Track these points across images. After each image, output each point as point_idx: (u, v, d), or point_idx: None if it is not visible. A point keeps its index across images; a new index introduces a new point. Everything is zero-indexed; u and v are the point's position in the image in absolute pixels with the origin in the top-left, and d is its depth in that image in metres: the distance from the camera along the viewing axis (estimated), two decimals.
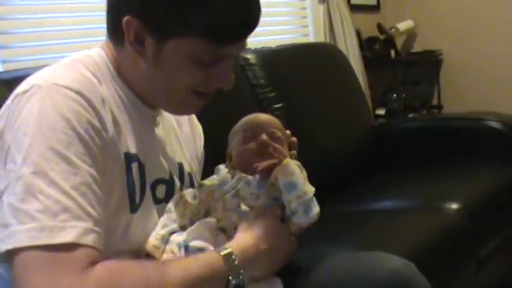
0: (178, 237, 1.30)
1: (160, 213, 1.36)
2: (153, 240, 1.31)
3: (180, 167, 1.47)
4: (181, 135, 1.53)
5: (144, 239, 1.31)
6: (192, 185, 1.48)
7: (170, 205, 1.36)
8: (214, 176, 1.43)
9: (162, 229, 1.33)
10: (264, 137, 1.39)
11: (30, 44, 2.62)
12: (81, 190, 1.11)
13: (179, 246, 1.29)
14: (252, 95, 2.85)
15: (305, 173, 1.40)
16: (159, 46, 1.24)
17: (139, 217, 1.29)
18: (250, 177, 1.36)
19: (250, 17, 1.28)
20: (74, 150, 1.13)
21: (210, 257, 1.22)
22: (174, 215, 1.34)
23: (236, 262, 1.22)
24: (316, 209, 1.35)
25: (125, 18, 1.23)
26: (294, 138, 1.50)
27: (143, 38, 1.24)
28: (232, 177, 1.39)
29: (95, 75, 1.27)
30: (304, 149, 2.82)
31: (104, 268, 1.10)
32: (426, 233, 2.29)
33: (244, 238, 1.28)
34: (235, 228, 1.32)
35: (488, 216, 2.64)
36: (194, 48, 1.23)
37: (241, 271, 1.23)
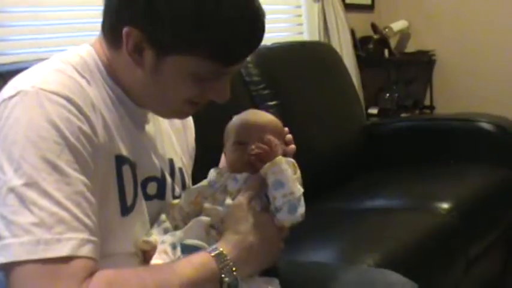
0: (171, 238, 1.30)
1: (151, 209, 1.36)
2: (144, 236, 1.32)
3: (171, 163, 1.46)
4: (173, 129, 1.51)
5: (136, 239, 1.31)
6: (183, 180, 1.48)
7: (162, 216, 1.37)
8: (205, 180, 1.44)
9: (154, 227, 1.35)
10: (252, 151, 1.37)
11: (26, 37, 2.63)
12: (75, 200, 1.10)
13: (173, 245, 1.29)
14: (245, 92, 2.86)
15: (299, 173, 1.39)
16: (158, 59, 1.21)
17: (132, 220, 1.28)
18: (238, 175, 1.37)
19: (256, 38, 1.26)
20: (65, 159, 1.11)
21: (202, 258, 1.22)
22: (166, 223, 1.36)
23: (227, 260, 1.23)
24: (301, 209, 1.33)
25: (126, 29, 1.20)
26: (293, 146, 1.48)
27: (142, 49, 1.21)
28: (222, 177, 1.40)
29: (83, 76, 1.24)
30: (296, 146, 2.85)
31: (101, 279, 1.09)
32: (417, 232, 2.30)
33: (232, 235, 1.28)
34: (222, 220, 1.32)
35: (479, 216, 2.65)
36: (195, 66, 1.21)
37: (234, 268, 1.23)
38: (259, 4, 1.25)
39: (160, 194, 1.39)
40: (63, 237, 1.07)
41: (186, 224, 1.34)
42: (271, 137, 1.37)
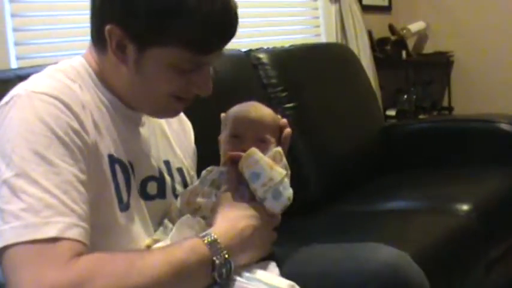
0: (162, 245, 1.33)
1: (154, 209, 1.40)
2: (149, 240, 1.35)
3: (167, 165, 1.50)
4: (171, 133, 1.55)
5: (137, 236, 1.34)
6: (183, 180, 1.52)
7: (166, 221, 1.41)
8: (198, 179, 1.48)
9: (160, 230, 1.38)
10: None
11: (44, 41, 2.65)
12: (63, 188, 1.15)
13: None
14: (263, 94, 2.86)
15: (284, 160, 1.41)
16: (139, 53, 1.28)
17: (130, 215, 1.33)
18: (223, 168, 1.41)
19: (228, 28, 1.31)
20: (54, 151, 1.17)
21: (192, 242, 1.25)
22: (170, 225, 1.39)
23: (218, 244, 1.25)
24: (286, 192, 1.35)
25: (108, 27, 1.27)
26: (288, 130, 1.49)
27: (125, 46, 1.28)
28: (211, 172, 1.44)
29: (75, 81, 1.30)
30: (314, 148, 2.86)
31: (88, 258, 1.13)
32: (436, 234, 2.30)
33: (222, 222, 1.32)
34: (212, 211, 1.36)
35: (499, 218, 2.64)
36: (174, 56, 1.27)
37: (225, 252, 1.25)
38: None
39: (161, 194, 1.44)
40: (51, 220, 1.12)
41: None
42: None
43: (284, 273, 1.37)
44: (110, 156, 1.30)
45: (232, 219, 1.33)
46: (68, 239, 1.12)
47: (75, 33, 2.70)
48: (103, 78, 1.35)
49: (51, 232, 1.11)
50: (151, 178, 1.42)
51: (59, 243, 1.11)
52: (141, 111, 1.40)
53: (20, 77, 1.88)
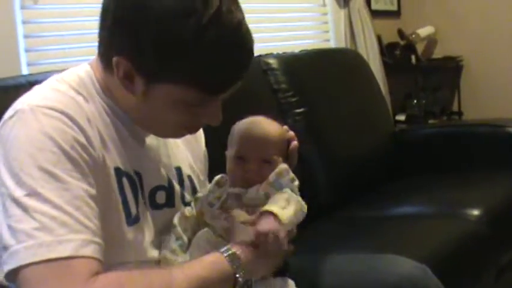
0: (182, 259, 1.32)
1: (163, 218, 1.38)
2: (167, 253, 1.34)
3: (178, 171, 1.48)
4: (181, 138, 1.52)
5: (145, 249, 1.33)
6: (193, 187, 1.50)
7: (175, 220, 1.39)
8: (209, 186, 1.45)
9: (175, 243, 1.36)
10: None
11: (55, 48, 2.66)
12: (74, 204, 1.14)
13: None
14: (273, 100, 2.87)
15: (288, 174, 1.38)
16: (147, 87, 1.24)
17: (138, 229, 1.31)
18: (231, 189, 1.37)
19: (242, 71, 1.26)
20: (62, 167, 1.15)
21: (213, 257, 1.24)
22: (178, 229, 1.37)
23: (240, 260, 1.24)
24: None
25: (115, 59, 1.22)
26: (295, 143, 1.46)
27: (132, 76, 1.24)
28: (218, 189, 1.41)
29: (79, 93, 1.27)
30: (324, 154, 2.86)
31: (106, 278, 1.12)
32: (446, 239, 2.29)
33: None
34: (226, 232, 1.33)
35: (509, 223, 2.63)
36: (182, 94, 1.23)
37: (246, 267, 1.24)
38: (246, 28, 1.25)
39: (170, 203, 1.42)
40: (65, 238, 1.11)
41: (195, 233, 1.36)
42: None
43: (301, 285, 1.37)
44: (117, 170, 1.28)
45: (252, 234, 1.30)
46: (83, 257, 1.11)
47: (86, 40, 2.71)
48: (108, 91, 1.32)
49: (66, 251, 1.10)
50: (160, 187, 1.40)
51: (75, 261, 1.10)
52: (146, 131, 1.37)
53: (31, 83, 1.89)
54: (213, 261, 1.23)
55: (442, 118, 4.79)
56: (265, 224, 1.24)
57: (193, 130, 1.38)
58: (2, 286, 1.33)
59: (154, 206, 1.38)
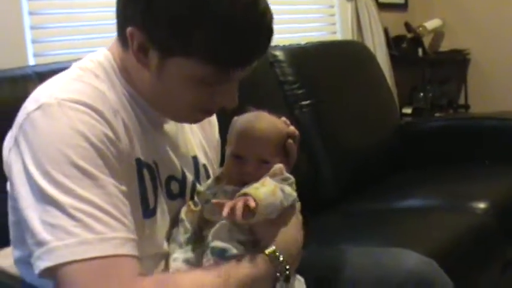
0: (183, 254, 1.31)
1: (176, 209, 1.36)
2: (176, 247, 1.33)
3: (195, 160, 1.46)
4: (197, 125, 1.50)
5: (161, 241, 1.32)
6: (207, 177, 1.48)
7: (182, 214, 1.36)
8: (211, 179, 1.43)
9: (183, 236, 1.34)
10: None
11: (61, 39, 2.66)
12: (110, 201, 1.12)
13: (187, 261, 1.29)
14: (279, 92, 2.87)
15: (281, 173, 1.34)
16: (162, 60, 1.20)
17: (154, 222, 1.30)
18: (228, 187, 1.35)
19: (260, 46, 1.22)
20: (94, 163, 1.13)
21: (255, 256, 1.22)
22: (186, 223, 1.35)
23: (281, 259, 1.23)
24: (290, 199, 1.31)
25: (129, 29, 1.20)
26: (290, 142, 1.40)
27: (147, 49, 1.20)
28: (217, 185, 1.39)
29: (102, 81, 1.25)
30: (330, 146, 2.85)
31: (152, 281, 1.12)
32: (453, 232, 2.29)
33: (285, 235, 1.28)
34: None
35: None
36: (197, 69, 1.19)
37: (287, 267, 1.23)
38: (265, 6, 1.21)
39: (183, 194, 1.40)
40: (105, 236, 1.09)
41: (201, 229, 1.34)
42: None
43: (309, 279, 1.36)
44: (138, 161, 1.26)
45: (293, 234, 1.30)
46: (124, 255, 1.10)
47: (92, 31, 2.72)
48: (125, 73, 1.28)
49: (108, 249, 1.08)
50: (174, 177, 1.37)
51: (118, 260, 1.09)
52: (162, 115, 1.34)
53: (38, 73, 1.89)
54: (255, 260, 1.21)
55: (448, 111, 4.79)
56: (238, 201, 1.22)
57: (208, 113, 1.34)
58: (25, 283, 1.33)
59: (170, 196, 1.36)
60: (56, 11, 2.67)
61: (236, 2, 1.15)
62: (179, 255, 1.31)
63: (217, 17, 1.14)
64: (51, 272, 1.09)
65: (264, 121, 1.39)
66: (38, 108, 1.16)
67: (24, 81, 1.86)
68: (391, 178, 3.05)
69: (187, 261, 1.29)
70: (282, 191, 1.29)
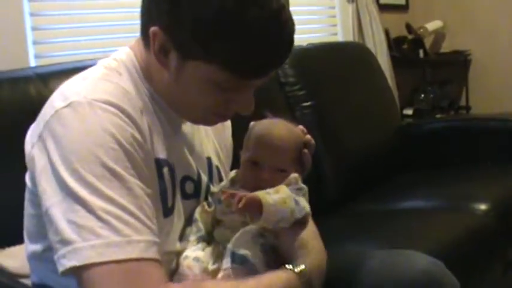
0: (193, 253, 1.31)
1: (190, 209, 1.37)
2: (188, 246, 1.33)
3: (209, 161, 1.47)
4: (212, 128, 1.51)
5: (175, 240, 1.32)
6: (220, 178, 1.49)
7: (196, 214, 1.37)
8: (225, 181, 1.44)
9: (195, 235, 1.35)
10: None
11: (63, 40, 2.66)
12: (137, 204, 1.12)
13: (196, 259, 1.29)
14: (281, 93, 2.87)
15: (296, 182, 1.36)
16: (181, 62, 1.21)
17: (172, 221, 1.30)
18: (241, 190, 1.33)
19: (279, 55, 1.23)
20: (122, 165, 1.13)
21: (288, 276, 1.23)
22: (200, 224, 1.36)
23: (309, 281, 1.25)
24: (302, 212, 1.33)
25: (152, 29, 1.21)
26: (305, 151, 1.41)
27: (168, 50, 1.22)
28: (231, 184, 1.40)
29: (127, 80, 1.27)
30: (331, 147, 2.85)
31: (180, 286, 1.14)
32: (454, 233, 2.29)
33: (314, 255, 1.31)
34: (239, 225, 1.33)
35: None
36: (215, 74, 1.20)
37: (312, 283, 1.25)
38: (288, 16, 1.22)
39: (197, 194, 1.40)
40: (132, 239, 1.09)
41: (213, 226, 1.35)
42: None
43: None
44: (158, 160, 1.27)
45: (321, 254, 1.34)
46: (150, 259, 1.10)
47: (93, 32, 2.72)
48: (147, 73, 1.30)
49: (134, 252, 1.08)
50: (189, 178, 1.38)
51: (144, 264, 1.09)
52: (178, 115, 1.35)
53: (39, 75, 1.90)
54: (288, 278, 1.23)
55: (449, 112, 4.79)
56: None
57: (223, 117, 1.36)
58: (39, 286, 1.33)
59: (184, 196, 1.36)
60: (57, 13, 2.67)
61: (261, 13, 1.15)
62: (190, 253, 1.31)
63: (240, 26, 1.15)
64: (75, 272, 1.08)
65: (282, 129, 1.40)
66: (68, 106, 1.16)
67: (25, 83, 1.86)
68: (392, 179, 3.05)
69: (197, 260, 1.29)
70: (296, 202, 1.31)
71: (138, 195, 1.13)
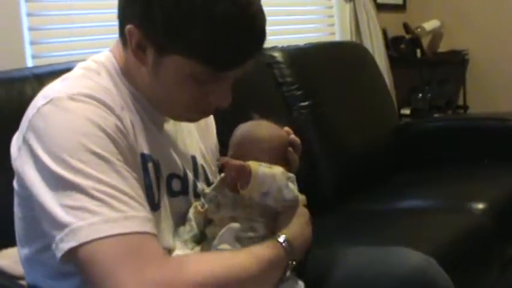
0: (184, 252, 1.32)
1: (178, 206, 1.38)
2: (179, 244, 1.34)
3: (194, 160, 1.48)
4: (196, 127, 1.53)
5: (166, 236, 1.33)
6: (206, 177, 1.50)
7: (190, 214, 1.39)
8: (214, 184, 1.45)
9: (188, 234, 1.36)
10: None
11: (60, 40, 2.66)
12: (127, 184, 1.13)
13: (212, 248, 1.30)
14: (278, 93, 2.87)
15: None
16: (158, 58, 1.24)
17: (159, 215, 1.31)
18: (228, 191, 1.37)
19: (253, 47, 1.25)
20: (109, 150, 1.15)
21: (275, 242, 1.27)
22: (192, 223, 1.37)
23: (293, 249, 1.28)
24: (290, 195, 1.34)
25: (127, 27, 1.23)
26: (290, 149, 1.44)
27: (145, 47, 1.24)
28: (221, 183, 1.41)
29: (106, 80, 1.29)
30: (329, 147, 2.86)
31: (181, 256, 1.17)
32: (451, 232, 2.29)
33: (294, 225, 1.33)
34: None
35: None
36: (191, 67, 1.22)
37: (296, 254, 1.28)
38: (259, 9, 1.24)
39: (185, 191, 1.41)
40: (129, 215, 1.10)
41: (204, 226, 1.37)
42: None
43: (311, 276, 1.38)
44: (142, 155, 1.28)
45: (301, 224, 1.35)
46: (148, 233, 1.11)
47: (90, 33, 2.72)
48: (128, 74, 1.32)
49: (133, 226, 1.09)
50: (175, 175, 1.39)
51: (142, 237, 1.10)
52: (160, 113, 1.37)
53: (36, 75, 1.90)
54: (274, 247, 1.26)
55: (447, 112, 4.79)
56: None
57: (204, 113, 1.38)
58: (29, 285, 1.33)
59: (171, 193, 1.38)
60: (54, 13, 2.66)
61: (230, 4, 1.18)
62: (181, 252, 1.32)
63: (211, 18, 1.18)
64: (74, 255, 1.08)
65: (264, 129, 1.43)
66: (48, 102, 1.18)
67: (22, 83, 1.86)
68: (389, 179, 3.05)
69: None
70: (287, 185, 1.33)
71: (126, 176, 1.15)
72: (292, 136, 1.45)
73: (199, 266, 1.13)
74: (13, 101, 1.82)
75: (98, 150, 1.13)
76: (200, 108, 1.33)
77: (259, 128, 1.43)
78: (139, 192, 1.16)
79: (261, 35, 1.25)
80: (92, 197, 1.09)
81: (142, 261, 1.07)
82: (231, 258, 1.19)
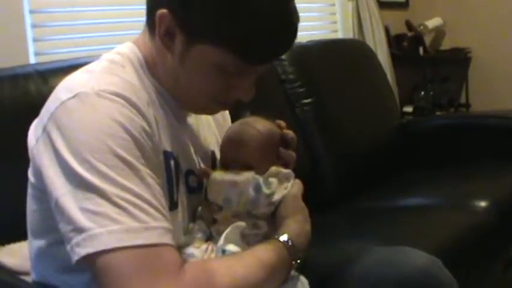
0: (189, 250, 1.31)
1: (194, 203, 1.38)
2: (190, 242, 1.33)
3: (213, 155, 1.48)
4: (214, 121, 1.53)
5: (179, 234, 1.32)
6: None
7: (200, 212, 1.38)
8: None
9: (197, 233, 1.36)
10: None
11: (62, 37, 2.67)
12: (150, 192, 1.11)
13: (192, 256, 1.30)
14: (280, 90, 2.87)
15: (276, 175, 1.37)
16: (187, 46, 1.22)
17: (177, 214, 1.30)
18: None
19: (285, 45, 1.26)
20: (134, 155, 1.12)
21: (276, 246, 1.26)
22: (202, 221, 1.37)
23: (296, 249, 1.27)
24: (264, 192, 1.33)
25: (159, 12, 1.21)
26: (281, 149, 1.42)
27: (174, 34, 1.22)
28: None
29: (131, 74, 1.26)
30: (331, 144, 2.86)
31: (194, 267, 1.12)
32: (454, 230, 2.28)
33: (295, 223, 1.32)
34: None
35: None
36: (221, 58, 1.21)
37: (299, 254, 1.28)
38: (294, 8, 1.26)
39: (200, 187, 1.40)
40: (150, 225, 1.08)
41: (209, 226, 1.36)
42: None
43: (316, 276, 1.38)
44: (165, 153, 1.27)
45: (302, 222, 1.34)
46: (167, 244, 1.10)
47: (93, 29, 2.72)
48: (151, 66, 1.30)
49: (153, 238, 1.07)
50: (192, 171, 1.38)
51: (161, 250, 1.08)
52: (180, 104, 1.35)
53: (39, 72, 1.90)
54: (277, 250, 1.25)
55: (449, 110, 4.79)
56: None
57: (224, 105, 1.37)
58: (40, 284, 1.33)
59: (189, 189, 1.37)
60: (57, 10, 2.67)
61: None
62: (191, 250, 1.31)
63: (250, 10, 1.17)
64: (89, 260, 1.07)
65: (245, 127, 1.41)
66: (74, 97, 1.15)
67: (25, 80, 1.86)
68: (391, 177, 3.05)
69: (192, 256, 1.29)
70: (258, 189, 1.31)
71: (150, 183, 1.12)
72: (285, 130, 1.44)
73: (213, 280, 1.12)
74: (16, 98, 1.82)
75: (123, 154, 1.11)
76: (221, 100, 1.32)
77: (241, 127, 1.41)
78: (161, 201, 1.14)
79: (295, 32, 1.26)
80: (114, 204, 1.07)
81: (157, 275, 1.06)
82: (241, 268, 1.17)
